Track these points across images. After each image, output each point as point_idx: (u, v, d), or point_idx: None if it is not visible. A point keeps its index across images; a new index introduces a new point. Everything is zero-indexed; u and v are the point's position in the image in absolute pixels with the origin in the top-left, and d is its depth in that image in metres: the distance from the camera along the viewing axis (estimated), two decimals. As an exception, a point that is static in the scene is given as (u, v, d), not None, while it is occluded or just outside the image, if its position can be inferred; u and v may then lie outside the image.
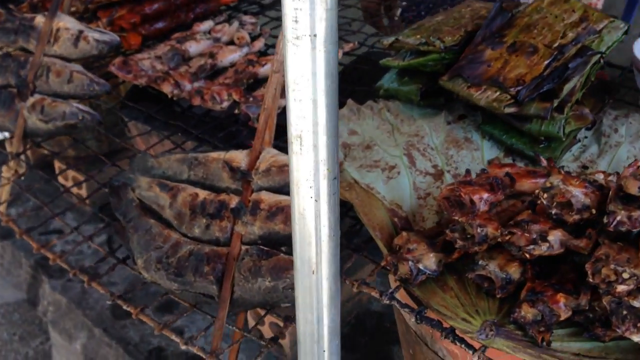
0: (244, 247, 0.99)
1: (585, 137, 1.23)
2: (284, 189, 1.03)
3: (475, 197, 0.91)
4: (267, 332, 1.71)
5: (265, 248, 0.97)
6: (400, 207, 1.08)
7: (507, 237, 0.89)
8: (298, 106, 0.67)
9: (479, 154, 1.20)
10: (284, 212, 0.97)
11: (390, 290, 0.97)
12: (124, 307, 1.02)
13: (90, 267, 1.10)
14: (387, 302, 0.95)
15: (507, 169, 1.01)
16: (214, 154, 1.11)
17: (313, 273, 0.76)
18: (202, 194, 1.06)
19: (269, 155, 1.05)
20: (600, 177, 0.93)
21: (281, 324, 1.53)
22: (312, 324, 0.79)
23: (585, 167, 1.17)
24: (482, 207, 0.92)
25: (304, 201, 0.72)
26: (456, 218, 0.92)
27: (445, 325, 0.91)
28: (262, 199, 1.01)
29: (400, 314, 1.19)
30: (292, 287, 0.93)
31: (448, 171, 1.15)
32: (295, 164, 0.71)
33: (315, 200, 0.72)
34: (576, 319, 0.87)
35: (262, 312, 1.24)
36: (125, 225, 1.11)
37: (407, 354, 1.26)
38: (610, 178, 0.93)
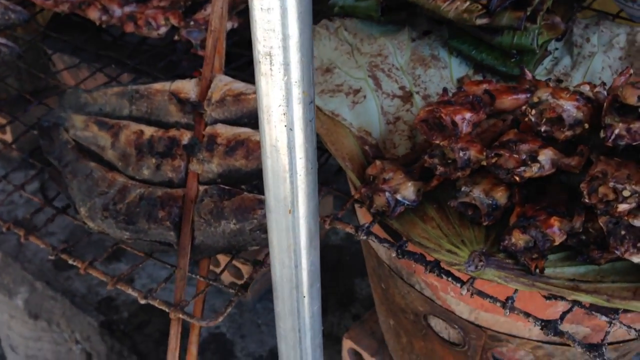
0: (201, 188, 0.88)
1: (556, 49, 1.16)
2: (242, 120, 0.92)
3: (457, 118, 0.83)
4: (226, 278, 1.63)
5: (227, 187, 0.87)
6: (370, 134, 0.99)
7: (493, 160, 0.81)
8: (265, 17, 0.56)
9: (447, 72, 1.12)
10: (244, 146, 0.87)
11: (367, 225, 0.88)
12: (70, 261, 0.91)
13: (24, 219, 0.97)
14: (364, 237, 0.87)
15: (485, 86, 0.92)
16: (158, 85, 0.98)
17: (289, 212, 0.66)
18: (148, 130, 0.94)
19: (222, 83, 0.93)
20: (586, 89, 0.86)
21: (245, 269, 1.45)
22: (290, 268, 0.70)
23: (559, 81, 1.10)
24: (465, 128, 0.83)
25: (277, 131, 0.62)
26: (437, 142, 0.84)
27: (429, 258, 0.84)
28: (218, 132, 0.90)
29: (371, 249, 1.11)
30: (260, 229, 0.83)
31: (417, 92, 1.06)
32: (265, 87, 0.60)
33: (290, 129, 0.61)
34: (568, 242, 0.81)
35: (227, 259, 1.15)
36: (61, 171, 0.98)
37: (378, 288, 1.20)
38: (597, 89, 0.86)
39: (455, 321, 1.01)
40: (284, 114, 0.61)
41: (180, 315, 0.82)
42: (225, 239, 0.85)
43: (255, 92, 0.90)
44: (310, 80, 0.61)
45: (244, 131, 0.89)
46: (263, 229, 0.83)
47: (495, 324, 0.97)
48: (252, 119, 0.92)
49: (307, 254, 0.70)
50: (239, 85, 0.92)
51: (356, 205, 0.98)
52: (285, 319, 0.75)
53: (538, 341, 0.96)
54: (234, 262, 1.45)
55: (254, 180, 0.89)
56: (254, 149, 0.86)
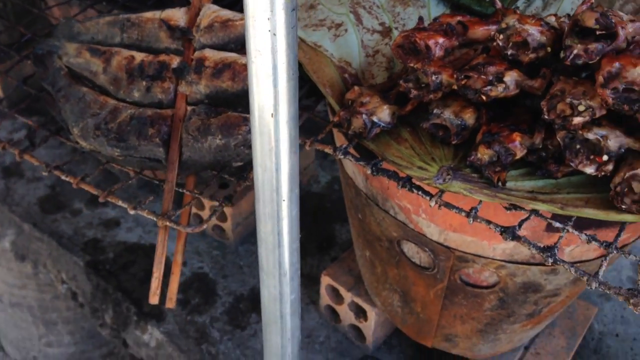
0: (189, 108, 0.94)
1: (528, -7, 1.22)
2: (229, 45, 0.97)
3: (431, 42, 0.89)
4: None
5: (213, 106, 0.92)
6: (350, 64, 1.04)
7: (462, 82, 0.88)
8: None
9: (425, 11, 1.17)
10: (230, 69, 0.92)
11: (345, 146, 0.94)
12: (63, 177, 0.96)
13: (19, 140, 1.02)
14: (342, 157, 0.93)
15: (458, 18, 0.98)
16: (148, 14, 1.03)
17: (272, 116, 0.72)
18: (139, 56, 0.99)
19: (210, 10, 0.98)
20: (552, 20, 0.92)
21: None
22: (271, 172, 0.76)
23: (529, 21, 1.16)
24: (438, 52, 0.89)
25: (261, 36, 0.67)
26: (411, 65, 0.90)
27: (401, 175, 0.90)
28: (206, 56, 0.95)
29: (349, 179, 1.18)
30: (244, 144, 0.89)
31: (396, 28, 1.12)
32: (251, -6, 0.65)
33: (274, 34, 0.67)
34: (529, 159, 0.88)
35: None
36: (55, 96, 1.03)
37: (355, 220, 1.27)
38: (562, 19, 0.92)
39: (426, 244, 1.08)
40: (268, 19, 0.66)
41: (168, 223, 0.88)
42: (211, 154, 0.90)
43: (241, 19, 0.95)
44: (293, -13, 0.66)
45: (230, 55, 0.94)
46: (247, 144, 0.89)
47: (462, 244, 1.04)
48: (238, 45, 0.97)
49: (287, 157, 0.75)
50: (227, 13, 0.97)
51: (334, 130, 1.04)
52: (265, 222, 0.81)
53: (502, 260, 1.04)
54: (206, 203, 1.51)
55: (238, 101, 0.94)
56: (240, 71, 0.92)
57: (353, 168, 1.14)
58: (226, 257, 1.80)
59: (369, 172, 0.91)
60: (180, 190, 0.94)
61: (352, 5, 1.15)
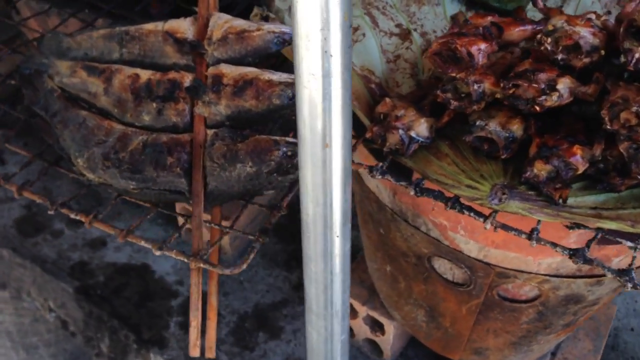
0: (209, 131, 0.84)
1: (547, -15, 1.15)
2: (245, 59, 0.88)
3: (473, 49, 0.81)
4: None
5: (238, 129, 0.83)
6: (373, 73, 0.96)
7: (510, 91, 0.80)
8: None
9: (440, 9, 1.09)
10: (253, 86, 0.83)
11: (381, 165, 0.86)
12: (72, 215, 0.85)
13: (15, 174, 0.91)
14: (379, 177, 0.85)
15: (490, 18, 0.91)
16: (149, 26, 0.92)
17: (326, 146, 0.63)
18: (144, 74, 0.89)
19: (222, 20, 0.88)
20: (592, 18, 0.85)
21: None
22: (325, 207, 0.68)
23: (554, 16, 1.09)
24: (481, 59, 0.82)
25: (316, 57, 0.58)
26: (453, 74, 0.82)
27: (447, 194, 0.83)
28: (223, 72, 0.85)
29: (371, 193, 1.10)
30: (277, 171, 0.80)
31: (415, 30, 1.04)
32: (303, 11, 0.56)
33: (330, 55, 0.58)
34: (587, 171, 0.81)
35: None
36: (50, 122, 0.92)
37: (374, 234, 1.19)
38: (604, 18, 0.86)
39: (463, 261, 1.01)
40: (325, 39, 0.57)
41: (202, 265, 0.79)
42: (240, 184, 0.81)
43: (259, 30, 0.86)
44: (350, 2, 0.58)
45: (250, 70, 0.85)
46: (280, 171, 0.80)
47: (504, 260, 0.97)
48: (256, 58, 0.87)
49: (341, 190, 0.67)
50: (240, 22, 0.88)
51: (360, 146, 0.96)
52: (316, 261, 0.72)
53: (546, 275, 0.97)
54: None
55: (263, 121, 0.85)
56: (263, 88, 0.83)
57: (377, 182, 1.06)
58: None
59: (412, 192, 0.83)
60: (208, 224, 0.85)
61: (364, 7, 1.06)
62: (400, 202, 1.03)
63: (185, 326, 1.60)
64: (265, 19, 1.07)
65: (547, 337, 1.17)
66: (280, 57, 0.93)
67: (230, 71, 0.85)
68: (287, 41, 0.87)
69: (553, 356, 1.35)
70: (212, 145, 0.82)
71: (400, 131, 0.85)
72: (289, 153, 0.80)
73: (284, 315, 1.62)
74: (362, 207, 1.21)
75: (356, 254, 1.76)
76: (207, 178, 0.83)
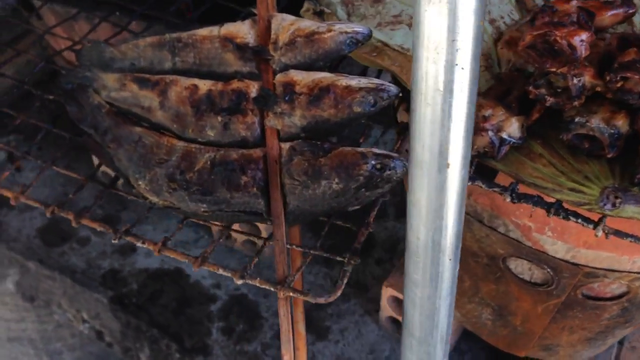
0: (284, 145, 0.77)
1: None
2: (317, 64, 0.80)
3: (575, 41, 0.74)
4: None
5: (318, 141, 0.75)
6: (448, 67, 0.88)
7: (618, 84, 0.73)
8: None
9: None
10: (330, 94, 0.75)
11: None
12: (138, 243, 0.78)
13: (68, 199, 0.83)
14: (469, 183, 0.78)
15: (575, 2, 0.83)
16: (203, 31, 0.84)
17: (447, 167, 0.56)
18: (204, 84, 0.81)
19: (286, 22, 0.80)
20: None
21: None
22: (439, 230, 0.61)
23: None
24: (584, 52, 0.74)
25: (446, 72, 0.51)
26: (553, 70, 0.75)
27: (547, 199, 0.76)
28: (294, 80, 0.77)
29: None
30: (365, 186, 0.73)
31: (483, 16, 0.96)
32: (433, 18, 0.49)
33: (462, 68, 0.51)
34: (702, 167, 0.74)
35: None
36: (100, 141, 0.85)
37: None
38: None
39: (546, 261, 0.95)
40: (456, 50, 0.50)
41: (291, 294, 0.72)
42: (325, 202, 0.74)
43: (330, 31, 0.78)
44: (485, 7, 0.50)
45: (323, 76, 0.77)
46: (369, 185, 0.73)
47: (595, 260, 0.91)
48: (327, 62, 0.80)
49: (458, 212, 0.60)
50: (308, 24, 0.79)
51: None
52: (423, 286, 0.66)
53: (639, 273, 0.91)
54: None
55: (339, 131, 0.78)
56: (342, 96, 0.75)
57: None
58: (262, 273, 1.63)
59: (507, 199, 0.77)
60: (289, 246, 0.78)
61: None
62: (475, 203, 0.96)
63: (227, 331, 1.54)
64: (319, 14, 0.99)
65: (624, 331, 1.12)
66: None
67: (302, 78, 0.77)
68: (360, 42, 0.79)
69: (621, 345, 1.30)
70: (290, 160, 0.75)
71: (490, 133, 0.78)
72: (378, 166, 0.72)
73: (329, 315, 1.57)
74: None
75: (396, 246, 1.70)
76: (287, 197, 0.75)
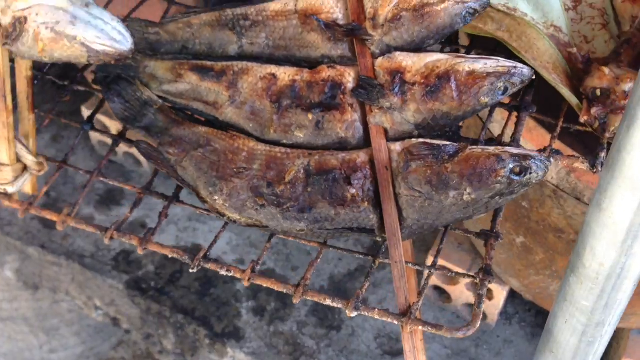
0: (393, 146, 0.64)
1: None
2: (425, 43, 0.66)
3: None
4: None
5: (437, 142, 0.63)
6: (560, 30, 0.76)
7: None
8: None
9: None
10: (451, 82, 0.62)
11: (602, 156, 0.68)
12: (222, 272, 0.66)
13: (124, 218, 0.70)
14: (600, 170, 0.67)
15: None
16: (276, 5, 0.69)
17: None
18: (284, 73, 0.67)
19: (385, -9, 0.66)
20: None
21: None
22: (636, 256, 0.50)
23: None
24: None
25: None
26: None
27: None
28: (402, 66, 0.64)
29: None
30: (500, 194, 0.61)
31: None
32: None
33: None
34: None
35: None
36: (156, 145, 0.70)
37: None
38: None
39: None
40: None
41: (421, 327, 0.61)
42: (450, 214, 0.62)
43: (443, 1, 0.64)
44: None
45: (437, 59, 0.63)
46: (506, 192, 0.61)
47: None
48: (438, 39, 0.66)
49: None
50: (413, -8, 0.65)
51: (530, 121, 0.77)
52: (593, 314, 0.57)
53: None
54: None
55: (457, 122, 0.65)
56: (467, 84, 0.62)
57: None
58: (288, 244, 1.52)
59: None
60: (387, 262, 0.66)
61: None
62: (577, 181, 0.85)
63: (259, 311, 1.43)
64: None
65: None
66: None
67: (412, 63, 0.64)
68: (478, 12, 0.65)
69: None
70: (407, 167, 0.62)
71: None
72: (517, 170, 0.60)
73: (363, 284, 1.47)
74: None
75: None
76: (404, 210, 0.63)
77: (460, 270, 1.30)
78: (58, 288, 1.57)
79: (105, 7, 0.88)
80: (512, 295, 1.36)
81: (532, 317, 1.39)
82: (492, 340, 1.38)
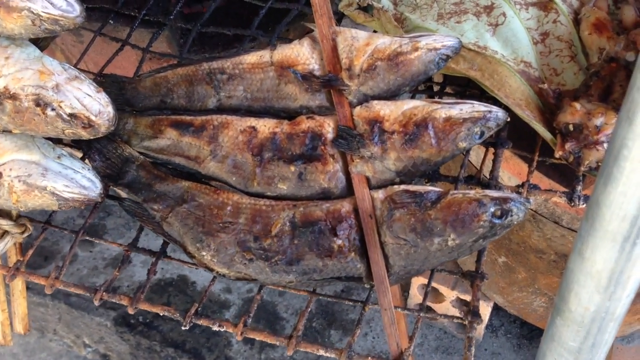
0: (376, 194, 0.65)
1: None
2: (400, 90, 0.67)
3: None
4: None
5: (419, 188, 0.64)
6: (530, 65, 0.77)
7: None
8: None
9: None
10: (429, 130, 0.64)
11: (579, 189, 0.70)
12: (214, 327, 0.67)
13: (113, 279, 0.70)
14: (582, 205, 0.69)
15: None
16: (251, 58, 0.70)
17: (644, 241, 0.47)
18: (264, 125, 0.68)
19: (360, 42, 0.67)
20: None
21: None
22: (618, 301, 0.52)
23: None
24: None
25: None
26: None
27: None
28: (380, 115, 0.65)
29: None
30: (483, 237, 0.63)
31: (552, -4, 0.84)
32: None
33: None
34: None
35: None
36: (140, 202, 0.71)
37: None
38: None
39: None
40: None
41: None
42: (437, 258, 0.63)
43: (416, 49, 0.66)
44: None
45: (413, 106, 0.64)
46: (488, 235, 0.62)
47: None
48: (413, 86, 0.67)
49: (638, 281, 0.51)
50: (387, 42, 0.66)
51: (508, 154, 0.79)
52: (580, 353, 0.58)
53: None
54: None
55: (437, 167, 0.67)
56: (444, 131, 0.63)
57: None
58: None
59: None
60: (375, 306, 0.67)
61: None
62: (554, 206, 0.87)
63: (248, 339, 1.43)
64: (365, 9, 0.85)
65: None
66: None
67: (389, 111, 0.65)
68: (451, 57, 0.67)
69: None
70: (390, 216, 0.63)
71: (607, 145, 0.68)
72: (498, 213, 0.62)
73: (352, 306, 1.48)
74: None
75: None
76: (390, 258, 0.64)
77: (444, 289, 1.32)
78: (45, 328, 1.55)
79: (81, 57, 0.88)
80: (497, 307, 1.38)
81: (517, 328, 1.41)
82: (480, 354, 1.40)
